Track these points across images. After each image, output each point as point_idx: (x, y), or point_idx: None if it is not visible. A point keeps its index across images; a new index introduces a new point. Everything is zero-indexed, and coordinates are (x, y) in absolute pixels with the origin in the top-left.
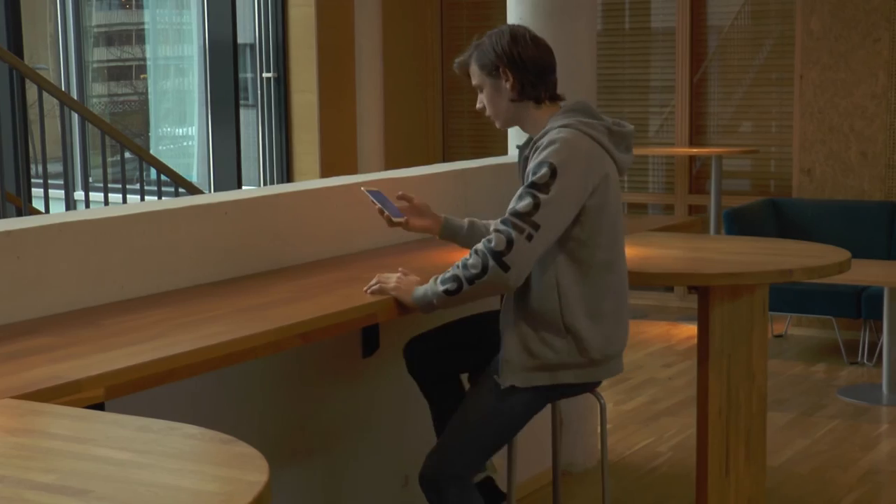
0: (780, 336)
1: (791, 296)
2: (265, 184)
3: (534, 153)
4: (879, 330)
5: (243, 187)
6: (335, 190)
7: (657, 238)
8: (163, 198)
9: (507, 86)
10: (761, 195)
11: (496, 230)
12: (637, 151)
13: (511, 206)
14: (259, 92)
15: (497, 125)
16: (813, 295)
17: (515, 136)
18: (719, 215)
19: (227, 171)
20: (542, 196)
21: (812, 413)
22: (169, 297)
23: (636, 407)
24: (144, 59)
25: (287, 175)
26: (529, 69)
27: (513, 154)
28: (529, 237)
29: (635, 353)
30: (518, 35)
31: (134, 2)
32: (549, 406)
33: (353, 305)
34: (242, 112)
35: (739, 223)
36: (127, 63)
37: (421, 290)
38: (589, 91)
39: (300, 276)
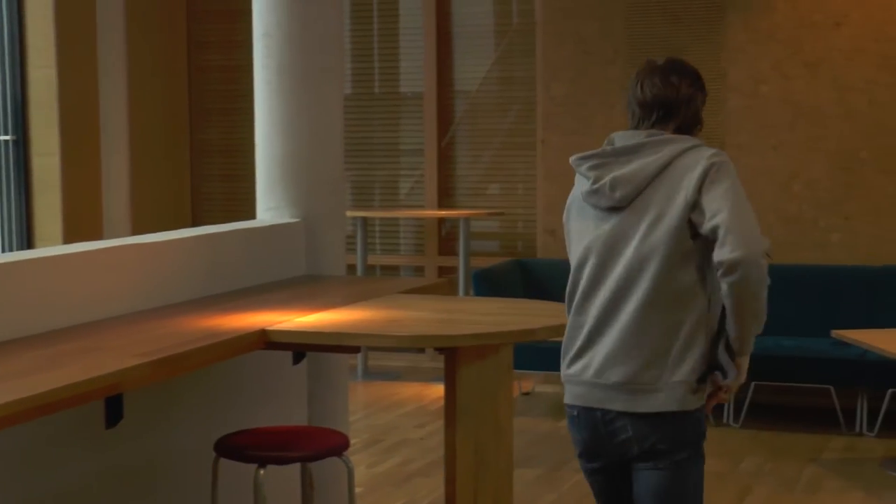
0: (527, 393)
1: (537, 354)
2: (4, 250)
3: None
4: None
5: None
6: (77, 256)
7: (407, 300)
8: None
9: None
10: (510, 255)
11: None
12: (387, 214)
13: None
14: None
15: None
16: (558, 353)
17: (263, 200)
18: (468, 276)
19: None
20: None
21: (559, 468)
22: None
23: (389, 468)
24: None
25: (28, 241)
26: None
27: (261, 219)
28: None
29: (388, 414)
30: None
31: None
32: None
33: (95, 375)
34: None
35: (488, 283)
36: None
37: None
38: (336, 154)
39: (40, 346)
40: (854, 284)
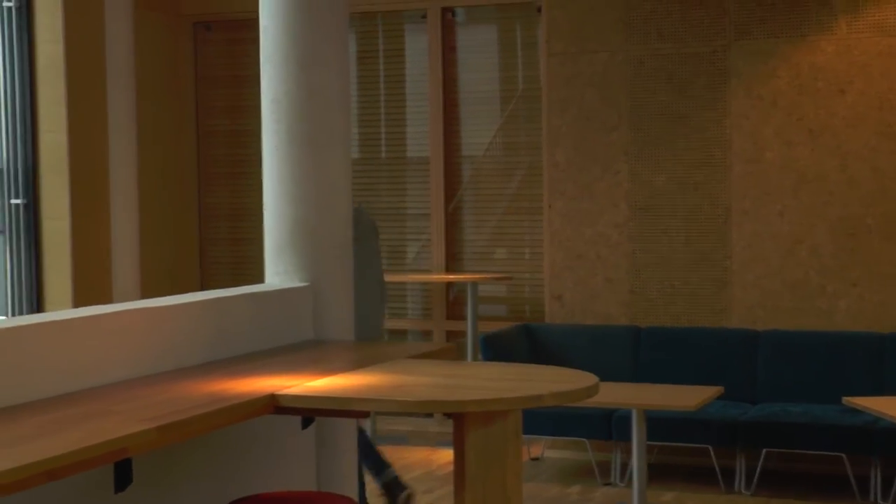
0: (536, 459)
1: (545, 419)
2: (14, 313)
3: None
4: (630, 450)
5: None
6: (85, 320)
7: (414, 365)
8: None
9: None
10: (517, 320)
11: None
12: (395, 278)
13: None
14: (7, 218)
15: None
16: (566, 418)
17: (271, 264)
18: (476, 341)
19: None
20: None
21: None
22: None
23: None
24: None
25: (37, 304)
26: None
27: (269, 283)
28: None
29: None
30: None
31: None
32: None
33: (103, 440)
34: None
35: (495, 348)
36: None
37: None
38: (344, 218)
39: (48, 411)
40: (862, 351)
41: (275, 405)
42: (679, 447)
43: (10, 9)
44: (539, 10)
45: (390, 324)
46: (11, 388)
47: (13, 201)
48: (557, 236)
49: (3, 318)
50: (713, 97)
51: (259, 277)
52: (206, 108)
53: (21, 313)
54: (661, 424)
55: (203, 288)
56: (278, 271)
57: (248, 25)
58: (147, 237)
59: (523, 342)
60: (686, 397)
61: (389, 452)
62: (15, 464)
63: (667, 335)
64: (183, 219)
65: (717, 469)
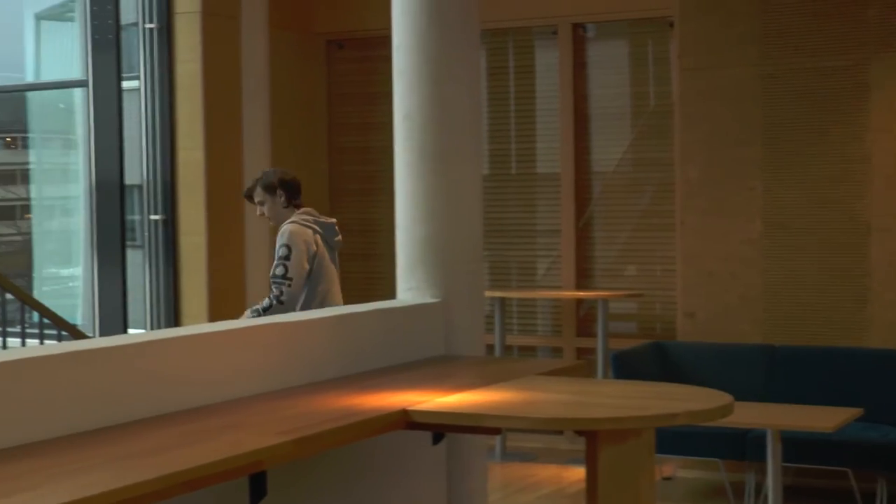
0: (668, 478)
1: (677, 438)
2: (152, 326)
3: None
4: (764, 471)
5: (129, 330)
6: (221, 335)
7: (545, 382)
8: (45, 341)
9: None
10: (648, 338)
11: (270, 297)
12: (524, 294)
13: (271, 277)
14: (146, 233)
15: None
16: (699, 437)
17: (403, 280)
18: (606, 358)
19: (113, 313)
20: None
21: None
22: (46, 446)
23: None
24: (29, 199)
25: (175, 318)
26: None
27: (401, 299)
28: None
29: (526, 496)
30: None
31: (20, 142)
32: None
33: (239, 452)
34: (129, 253)
35: (626, 366)
36: (11, 203)
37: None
38: (475, 235)
39: (185, 422)
40: None
41: (407, 420)
42: (816, 469)
43: (151, 30)
44: (671, 24)
45: (520, 340)
46: (152, 400)
47: (152, 217)
48: (690, 253)
49: (143, 331)
50: (852, 111)
51: (390, 293)
52: (337, 124)
53: (159, 326)
54: (797, 446)
55: None
56: (410, 287)
57: (380, 43)
58: None
59: (654, 360)
60: (823, 418)
61: (519, 470)
62: (157, 473)
63: (802, 354)
64: None
65: (856, 493)
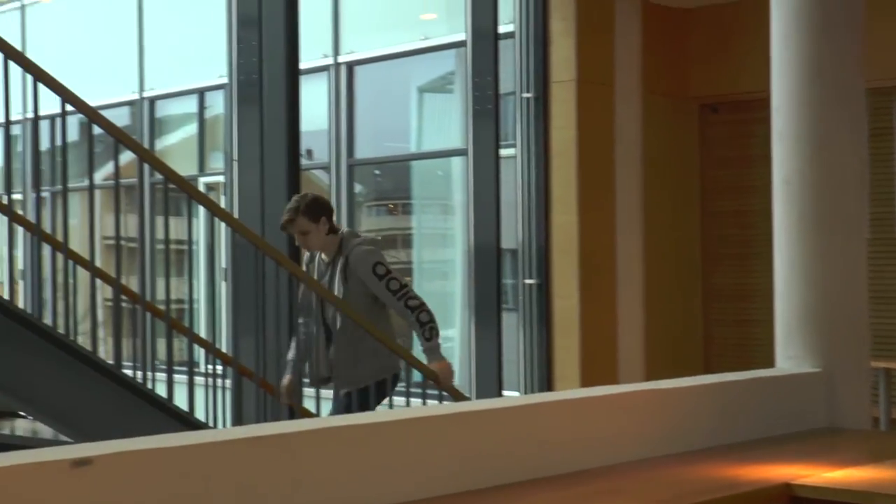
0: None
1: None
2: (526, 388)
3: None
4: None
5: (504, 393)
6: (597, 399)
7: None
8: (427, 402)
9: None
10: None
11: (414, 311)
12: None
13: (395, 298)
14: (521, 297)
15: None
16: None
17: (782, 348)
18: None
19: (489, 375)
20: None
21: None
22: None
23: None
24: (410, 263)
25: (548, 380)
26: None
27: (780, 367)
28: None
29: None
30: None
31: (401, 208)
32: None
33: None
34: (504, 316)
35: None
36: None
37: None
38: (860, 303)
39: (561, 487)
40: None
41: (790, 495)
42: None
43: (528, 99)
44: None
45: None
46: (527, 463)
47: (527, 281)
48: None
49: (518, 394)
50: None
51: (765, 360)
52: (710, 188)
53: (532, 389)
54: None
55: (706, 369)
56: (789, 356)
57: (756, 106)
58: (652, 318)
59: None
60: None
61: None
62: None
63: None
64: (687, 300)
65: None
